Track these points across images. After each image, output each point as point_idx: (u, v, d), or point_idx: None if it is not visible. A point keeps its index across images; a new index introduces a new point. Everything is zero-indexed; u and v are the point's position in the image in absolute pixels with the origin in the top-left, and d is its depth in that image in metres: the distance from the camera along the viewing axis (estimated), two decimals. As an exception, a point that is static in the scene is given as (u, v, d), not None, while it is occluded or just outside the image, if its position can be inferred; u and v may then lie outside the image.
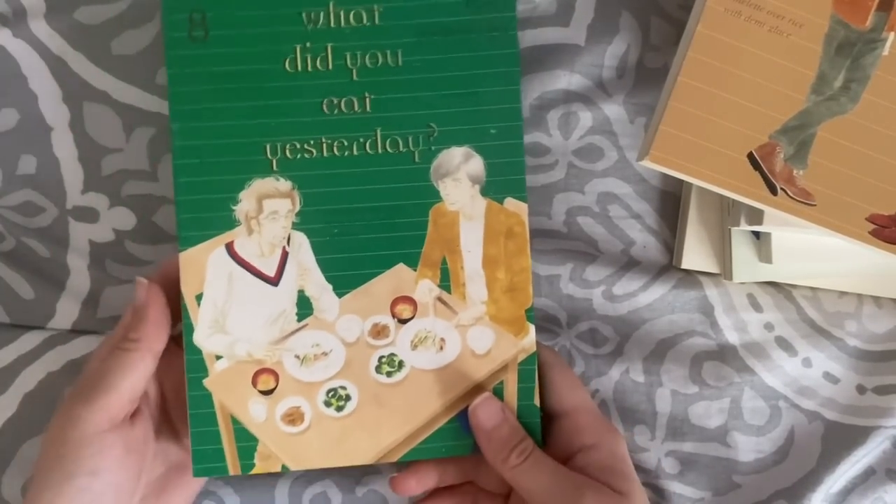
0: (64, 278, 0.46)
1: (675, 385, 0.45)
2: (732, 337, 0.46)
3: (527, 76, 0.46)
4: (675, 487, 0.45)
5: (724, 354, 0.46)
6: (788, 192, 0.39)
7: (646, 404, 0.46)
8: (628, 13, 0.47)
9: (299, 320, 0.39)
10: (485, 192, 0.40)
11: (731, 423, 0.45)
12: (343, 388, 0.39)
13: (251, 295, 0.39)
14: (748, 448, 0.45)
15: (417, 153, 0.39)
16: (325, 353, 0.39)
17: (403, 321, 0.40)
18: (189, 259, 0.39)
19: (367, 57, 0.39)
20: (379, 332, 0.40)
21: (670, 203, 0.47)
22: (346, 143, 0.39)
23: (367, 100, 0.39)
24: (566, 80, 0.46)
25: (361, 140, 0.39)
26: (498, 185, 0.40)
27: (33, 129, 0.46)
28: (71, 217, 0.47)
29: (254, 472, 0.40)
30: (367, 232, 0.39)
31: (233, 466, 0.39)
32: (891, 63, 0.39)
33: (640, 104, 0.46)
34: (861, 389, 0.45)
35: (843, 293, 0.46)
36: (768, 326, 0.46)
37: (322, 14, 0.39)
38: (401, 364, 0.40)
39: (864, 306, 0.46)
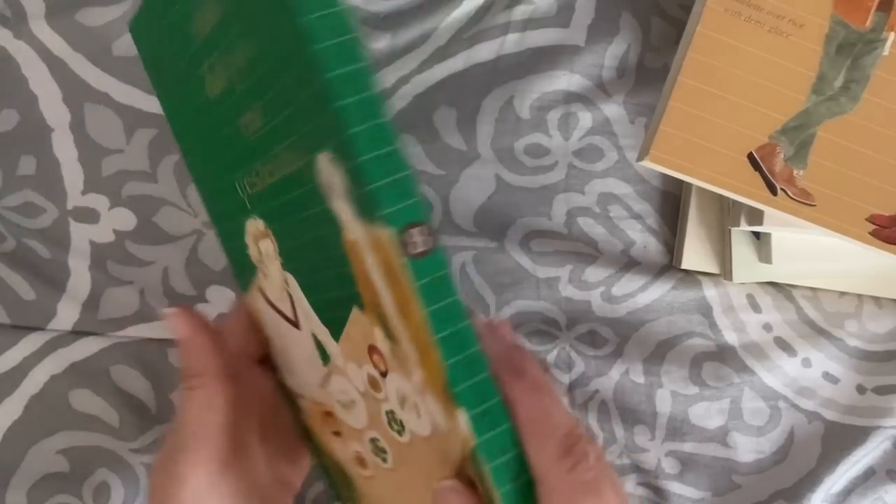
0: (64, 279, 0.46)
1: (675, 386, 0.45)
2: (731, 337, 0.46)
3: (527, 77, 0.46)
4: (675, 488, 0.45)
5: (724, 355, 0.46)
6: (788, 192, 0.39)
7: (646, 405, 0.46)
8: (628, 13, 0.47)
9: (324, 365, 0.32)
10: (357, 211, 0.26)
11: (731, 424, 0.45)
12: (377, 440, 0.32)
13: (289, 339, 0.34)
14: (748, 448, 0.45)
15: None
16: (352, 402, 0.32)
17: (384, 374, 0.29)
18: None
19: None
20: (374, 384, 0.30)
21: (670, 203, 0.47)
22: (272, 171, 0.29)
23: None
24: (566, 80, 0.46)
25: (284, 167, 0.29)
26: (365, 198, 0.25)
27: (34, 130, 0.47)
28: (71, 218, 0.47)
29: None
30: (319, 270, 0.30)
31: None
32: (891, 63, 0.39)
33: (641, 104, 0.46)
34: (861, 389, 0.45)
35: (843, 293, 0.46)
36: (767, 327, 0.46)
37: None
38: (402, 424, 0.29)
39: (864, 306, 0.46)
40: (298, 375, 0.35)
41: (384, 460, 0.32)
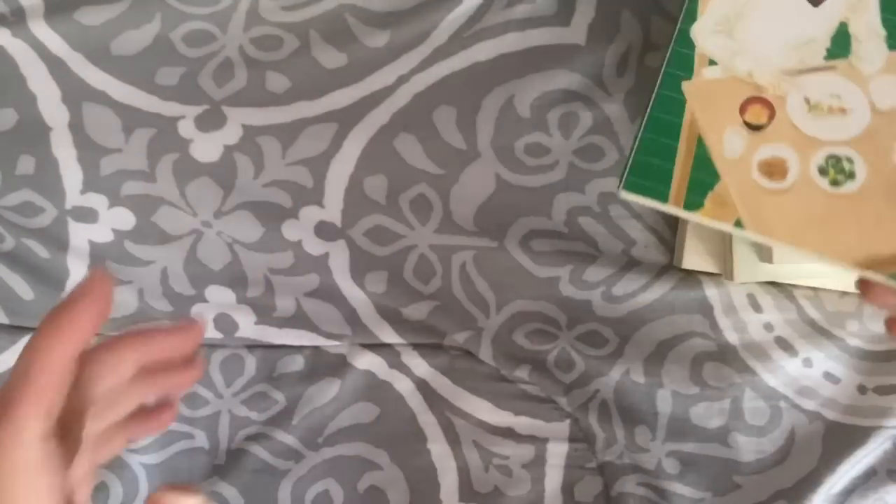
0: (63, 279, 0.46)
1: (675, 386, 0.45)
2: (732, 337, 0.46)
3: (527, 76, 0.46)
4: (676, 488, 0.45)
5: (725, 355, 0.46)
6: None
7: (647, 405, 0.45)
8: (629, 12, 0.46)
9: (827, 59, 0.32)
10: None
11: (732, 424, 0.45)
12: (850, 160, 0.31)
13: (781, 5, 0.32)
14: (749, 448, 0.45)
15: None
16: (842, 110, 0.31)
17: None
18: None
19: None
20: None
21: (671, 203, 0.47)
22: None
23: None
24: (566, 79, 0.46)
25: None
26: None
27: (32, 130, 0.46)
28: (70, 217, 0.46)
29: (701, 213, 0.32)
30: None
31: (675, 197, 0.32)
32: None
33: (641, 103, 0.46)
34: (862, 389, 0.45)
35: (844, 293, 0.46)
36: (768, 327, 0.46)
37: None
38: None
39: (864, 306, 0.46)
40: (752, 45, 0.32)
41: (835, 183, 0.31)
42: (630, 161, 0.33)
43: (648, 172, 0.32)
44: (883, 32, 0.31)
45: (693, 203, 0.32)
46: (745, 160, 0.32)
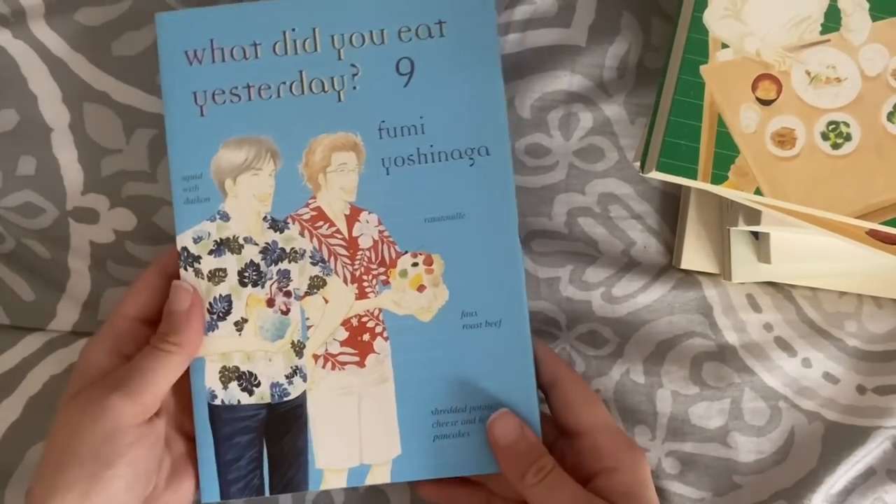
0: (64, 280, 0.46)
1: (675, 386, 0.45)
2: (732, 337, 0.46)
3: (528, 77, 0.46)
4: (676, 488, 0.45)
5: (724, 355, 0.46)
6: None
7: (646, 405, 0.46)
8: (629, 13, 0.47)
9: (822, 33, 0.36)
10: None
11: (732, 424, 0.45)
12: (846, 124, 0.35)
13: None
14: (748, 448, 0.45)
15: None
16: (838, 79, 0.35)
17: None
18: None
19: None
20: None
21: (670, 203, 0.47)
22: None
23: None
24: (567, 80, 0.46)
25: None
26: None
27: (33, 131, 0.46)
28: (71, 218, 0.46)
29: (725, 186, 0.36)
30: None
31: (703, 172, 0.36)
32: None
33: (641, 104, 0.46)
34: (861, 390, 0.46)
35: (842, 293, 0.46)
36: (767, 327, 0.46)
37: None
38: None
39: (863, 306, 0.46)
40: (758, 26, 0.36)
41: (836, 146, 0.35)
42: (661, 143, 0.36)
43: (678, 152, 0.36)
44: (866, 4, 0.35)
45: (718, 177, 0.36)
46: (760, 133, 0.35)
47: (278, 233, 0.40)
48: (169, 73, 0.41)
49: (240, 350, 0.40)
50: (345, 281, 0.40)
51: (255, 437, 0.40)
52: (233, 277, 0.40)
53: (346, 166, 0.40)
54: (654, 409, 0.46)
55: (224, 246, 0.40)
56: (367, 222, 0.40)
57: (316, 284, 0.40)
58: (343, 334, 0.40)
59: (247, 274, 0.40)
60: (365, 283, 0.40)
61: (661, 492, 0.46)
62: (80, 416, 0.35)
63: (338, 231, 0.40)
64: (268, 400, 0.40)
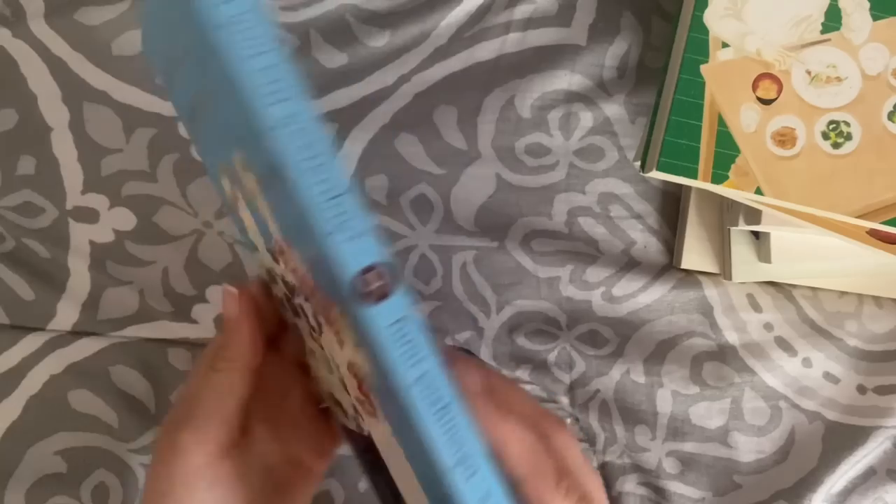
0: (64, 279, 0.46)
1: (675, 386, 0.45)
2: (732, 337, 0.46)
3: (528, 76, 0.46)
4: (676, 487, 0.45)
5: (725, 355, 0.46)
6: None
7: (647, 404, 0.46)
8: (629, 13, 0.46)
9: (822, 32, 0.36)
10: None
11: (732, 424, 0.45)
12: (847, 123, 0.35)
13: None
14: (749, 448, 0.45)
15: None
16: (838, 79, 0.35)
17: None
18: None
19: None
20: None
21: (671, 203, 0.47)
22: None
23: None
24: (567, 80, 0.46)
25: None
26: None
27: (33, 130, 0.46)
28: (71, 218, 0.46)
29: (726, 185, 0.35)
30: None
31: (704, 172, 0.35)
32: None
33: (641, 104, 0.46)
34: (861, 389, 0.46)
35: (843, 293, 0.46)
36: (768, 327, 0.46)
37: None
38: None
39: (864, 306, 0.46)
40: (758, 25, 0.36)
41: (836, 146, 0.35)
42: (662, 142, 0.36)
43: (678, 152, 0.35)
44: (867, 4, 0.35)
45: (719, 177, 0.35)
46: (760, 132, 0.35)
47: None
48: None
49: None
50: None
51: None
52: None
53: None
54: (654, 409, 0.46)
55: None
56: None
57: None
58: None
59: None
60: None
61: (661, 492, 0.46)
62: (155, 461, 0.31)
63: None
64: None
